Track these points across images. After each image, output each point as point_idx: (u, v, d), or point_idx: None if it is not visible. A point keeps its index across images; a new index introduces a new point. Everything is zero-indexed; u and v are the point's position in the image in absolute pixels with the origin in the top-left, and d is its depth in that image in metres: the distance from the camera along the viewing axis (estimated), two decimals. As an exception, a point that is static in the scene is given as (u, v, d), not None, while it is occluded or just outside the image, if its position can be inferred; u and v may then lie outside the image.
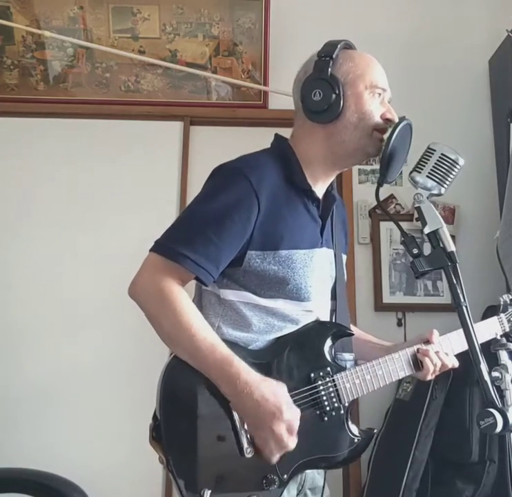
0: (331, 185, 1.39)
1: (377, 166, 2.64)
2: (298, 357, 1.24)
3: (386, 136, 1.26)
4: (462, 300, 1.10)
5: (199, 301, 1.30)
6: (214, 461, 1.14)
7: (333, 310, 1.35)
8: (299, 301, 1.26)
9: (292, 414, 1.13)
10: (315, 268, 1.27)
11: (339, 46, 1.32)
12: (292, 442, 1.13)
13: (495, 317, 1.47)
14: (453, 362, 1.34)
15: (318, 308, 1.31)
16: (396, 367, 1.30)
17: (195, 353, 1.15)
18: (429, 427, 2.13)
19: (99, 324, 2.43)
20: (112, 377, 2.41)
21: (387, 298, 2.55)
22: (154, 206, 2.58)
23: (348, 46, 1.39)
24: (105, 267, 2.49)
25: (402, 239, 1.19)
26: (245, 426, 1.15)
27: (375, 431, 1.30)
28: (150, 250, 1.21)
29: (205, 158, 2.65)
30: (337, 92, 1.26)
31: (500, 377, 1.10)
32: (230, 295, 1.25)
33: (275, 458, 1.15)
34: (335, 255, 1.36)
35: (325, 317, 1.33)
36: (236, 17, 2.67)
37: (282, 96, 2.65)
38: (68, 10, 2.64)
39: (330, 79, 1.27)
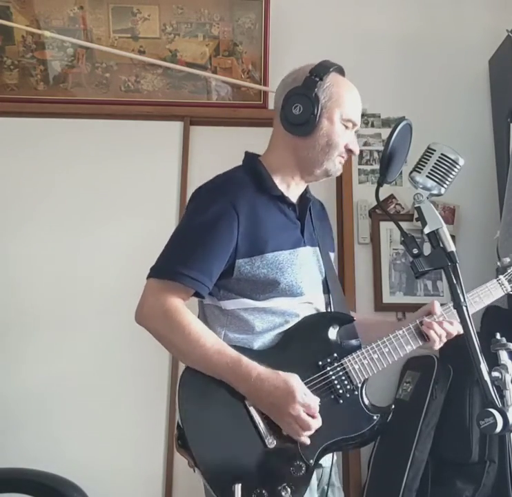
0: (306, 189, 1.49)
1: (377, 166, 2.65)
2: (304, 348, 1.32)
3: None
4: (462, 300, 1.11)
5: (203, 316, 1.39)
6: (240, 457, 1.22)
7: (328, 303, 1.42)
8: (293, 296, 1.34)
9: (306, 397, 1.21)
10: (302, 265, 1.36)
11: (331, 69, 1.41)
12: (314, 422, 1.21)
13: (494, 280, 1.48)
14: (458, 329, 1.35)
15: (315, 301, 1.39)
16: (402, 342, 1.35)
17: (207, 361, 1.25)
18: (429, 427, 2.13)
19: (100, 324, 2.43)
20: (112, 378, 2.41)
21: (387, 298, 2.55)
22: (154, 205, 2.58)
23: (340, 71, 1.47)
24: (105, 267, 2.49)
25: (402, 239, 1.20)
26: (265, 420, 1.23)
27: (393, 406, 1.37)
28: (147, 277, 1.32)
29: (205, 158, 2.65)
30: (315, 112, 1.36)
31: (500, 377, 1.10)
32: (229, 304, 1.35)
33: (305, 439, 1.22)
34: (320, 251, 1.45)
35: (322, 309, 1.41)
36: (236, 17, 2.67)
37: (282, 96, 2.66)
38: (68, 10, 2.64)
39: (313, 98, 1.36)
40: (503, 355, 1.15)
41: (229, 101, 2.71)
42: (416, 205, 1.17)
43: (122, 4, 2.66)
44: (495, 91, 2.75)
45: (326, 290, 1.42)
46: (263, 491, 1.19)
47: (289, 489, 1.20)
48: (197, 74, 2.66)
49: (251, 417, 1.23)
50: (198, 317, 1.36)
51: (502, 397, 1.07)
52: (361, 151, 2.70)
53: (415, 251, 1.16)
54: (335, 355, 1.31)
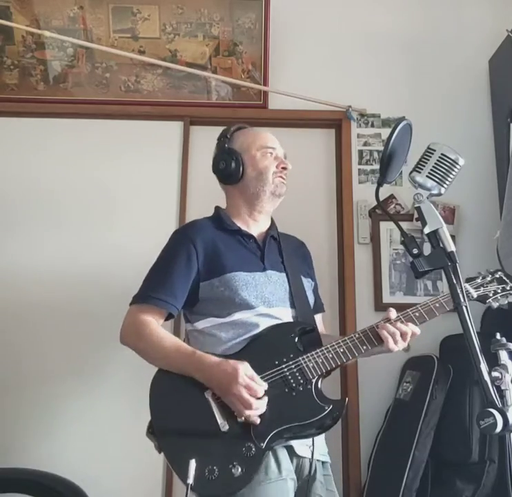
0: (272, 228, 1.78)
1: (377, 166, 2.65)
2: (264, 350, 1.51)
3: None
4: (462, 300, 1.11)
5: (188, 342, 1.64)
6: (197, 439, 1.41)
7: (295, 317, 1.63)
8: (249, 309, 1.56)
9: (247, 378, 1.39)
10: (258, 285, 1.60)
11: (232, 129, 1.77)
12: (256, 402, 1.39)
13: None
14: (413, 329, 1.52)
15: (276, 313, 1.59)
16: (357, 343, 1.52)
17: (168, 359, 1.50)
18: (429, 427, 2.13)
19: (101, 323, 2.43)
20: (113, 378, 2.41)
21: (387, 298, 2.55)
22: (154, 205, 2.58)
23: (243, 127, 1.80)
24: (105, 266, 2.49)
25: (402, 239, 1.20)
26: (219, 407, 1.42)
27: (347, 399, 1.54)
28: (129, 304, 1.62)
29: (205, 158, 2.62)
30: (235, 158, 1.70)
31: (500, 377, 1.10)
32: (201, 324, 1.62)
33: (249, 416, 1.39)
34: (287, 276, 1.67)
35: (288, 320, 1.62)
36: (236, 17, 2.67)
37: (282, 97, 2.66)
38: (68, 10, 2.64)
39: (228, 151, 1.72)
40: (503, 355, 1.15)
41: (229, 101, 2.71)
42: (416, 205, 1.18)
43: (122, 4, 2.66)
44: (495, 91, 2.75)
45: (292, 305, 1.64)
46: (215, 468, 1.36)
47: (239, 468, 1.36)
48: (197, 74, 2.66)
49: (209, 404, 1.43)
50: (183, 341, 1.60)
51: (502, 397, 1.07)
52: (361, 151, 2.70)
53: (415, 251, 1.16)
54: (291, 355, 1.50)
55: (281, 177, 1.71)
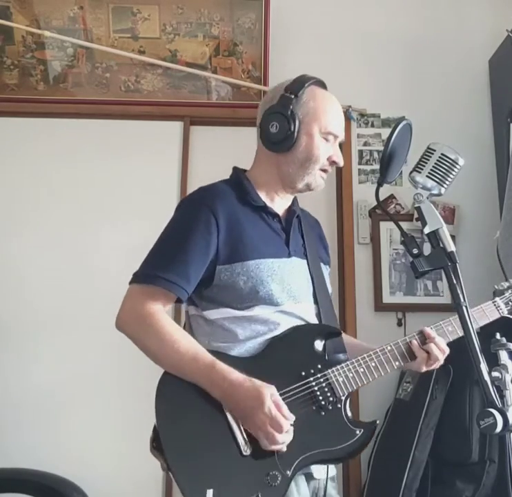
0: (293, 202, 1.50)
1: (377, 166, 2.65)
2: (287, 357, 1.29)
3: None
4: (462, 300, 1.10)
5: (189, 326, 1.39)
6: (214, 462, 1.17)
7: (317, 314, 1.40)
8: (273, 305, 1.33)
9: (273, 410, 1.17)
10: (284, 275, 1.35)
11: (306, 85, 1.41)
12: (281, 437, 1.17)
13: (490, 302, 1.47)
14: (444, 349, 1.35)
15: (301, 311, 1.36)
16: (389, 357, 1.33)
17: (182, 366, 1.24)
18: (429, 427, 2.13)
19: (102, 324, 2.43)
20: (113, 378, 2.41)
21: (387, 298, 2.55)
22: (154, 205, 2.58)
23: (319, 84, 1.46)
24: (104, 267, 2.49)
25: (402, 239, 1.19)
26: (240, 427, 1.20)
27: (378, 422, 1.32)
28: (129, 283, 1.33)
29: (205, 158, 2.65)
30: (292, 129, 1.37)
31: (500, 377, 1.10)
32: (213, 314, 1.34)
33: (274, 447, 1.18)
34: (308, 264, 1.43)
35: (312, 320, 1.39)
36: (236, 17, 2.67)
37: (282, 96, 2.66)
38: (68, 10, 2.64)
39: (289, 115, 1.37)
40: (503, 355, 1.15)
41: (229, 101, 2.71)
42: (416, 205, 1.17)
43: (122, 4, 2.66)
44: (495, 91, 2.75)
45: (315, 301, 1.41)
46: None
47: None
48: (197, 74, 2.66)
49: (228, 423, 1.20)
50: (184, 327, 1.37)
51: (502, 397, 1.07)
52: (361, 151, 2.71)
53: (415, 251, 1.16)
54: (319, 366, 1.29)
55: (325, 171, 1.43)
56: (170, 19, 2.67)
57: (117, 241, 2.52)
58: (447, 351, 1.35)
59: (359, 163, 2.69)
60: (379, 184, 1.29)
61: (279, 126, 1.38)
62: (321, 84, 1.47)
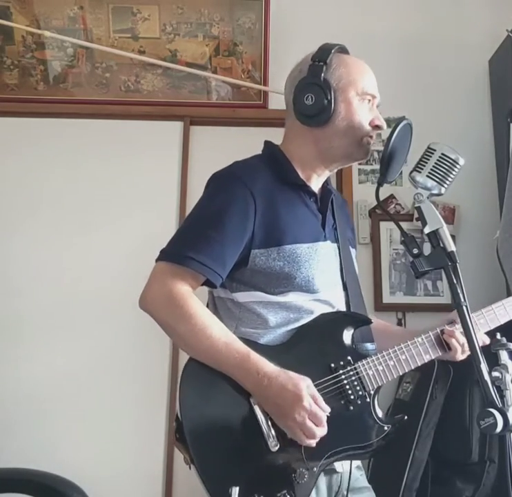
0: (326, 180, 1.42)
1: (377, 166, 2.65)
2: (316, 348, 1.24)
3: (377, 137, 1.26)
4: (462, 300, 1.10)
5: (214, 309, 1.31)
6: (240, 458, 1.14)
7: (346, 302, 1.35)
8: (309, 293, 1.27)
9: (313, 404, 1.13)
10: (320, 260, 1.28)
11: (333, 51, 1.34)
12: (319, 430, 1.12)
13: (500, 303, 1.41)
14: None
15: (332, 298, 1.31)
16: (420, 350, 1.29)
17: (213, 354, 1.16)
18: (429, 427, 2.13)
19: (99, 324, 2.43)
20: (112, 377, 2.40)
21: (387, 298, 2.55)
22: (154, 205, 2.58)
23: (343, 50, 1.40)
24: (104, 267, 2.49)
25: (402, 239, 1.19)
26: (269, 421, 1.15)
27: (406, 417, 1.29)
28: (156, 259, 1.23)
29: (205, 158, 2.65)
30: (329, 97, 1.29)
31: (500, 377, 1.10)
32: (243, 297, 1.27)
33: (311, 441, 1.13)
34: (339, 248, 1.37)
35: (341, 307, 1.33)
36: (236, 17, 2.67)
37: (282, 97, 2.64)
38: (68, 10, 2.64)
39: (323, 84, 1.30)
40: (503, 355, 1.15)
41: (229, 101, 2.71)
42: (416, 205, 1.17)
43: (122, 4, 2.66)
44: (495, 91, 2.74)
45: (345, 287, 1.35)
46: None
47: None
48: (197, 74, 2.66)
49: (255, 416, 1.15)
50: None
51: (502, 397, 1.07)
52: (361, 151, 2.70)
53: (415, 251, 1.16)
54: (349, 358, 1.23)
55: (371, 137, 1.34)
56: (170, 19, 2.67)
57: (117, 241, 2.52)
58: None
59: (359, 163, 2.69)
60: (379, 184, 1.29)
61: (315, 97, 1.29)
62: (345, 50, 1.42)
